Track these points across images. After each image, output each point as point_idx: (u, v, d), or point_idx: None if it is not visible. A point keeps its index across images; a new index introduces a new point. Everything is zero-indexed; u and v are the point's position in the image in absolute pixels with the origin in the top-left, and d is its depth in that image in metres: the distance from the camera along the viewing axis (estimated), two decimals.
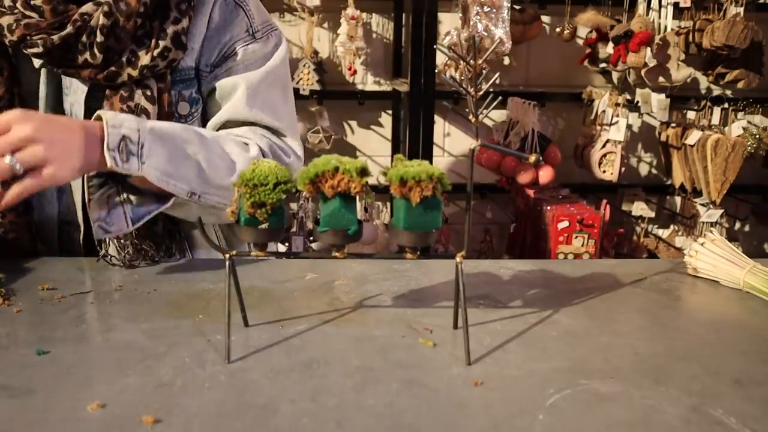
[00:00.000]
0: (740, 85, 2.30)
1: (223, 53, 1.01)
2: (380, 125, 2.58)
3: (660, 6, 2.24)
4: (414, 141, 2.19)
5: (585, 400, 0.59)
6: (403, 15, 2.44)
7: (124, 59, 0.91)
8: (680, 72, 2.31)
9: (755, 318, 0.80)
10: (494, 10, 2.11)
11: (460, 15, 2.20)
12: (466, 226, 0.68)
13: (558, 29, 2.39)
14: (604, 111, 2.30)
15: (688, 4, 2.21)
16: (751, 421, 0.56)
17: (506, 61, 2.34)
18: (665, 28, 2.25)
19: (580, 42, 2.45)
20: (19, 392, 0.59)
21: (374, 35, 2.49)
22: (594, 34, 2.37)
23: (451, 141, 2.62)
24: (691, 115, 2.41)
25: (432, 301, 0.81)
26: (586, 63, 2.45)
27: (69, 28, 0.88)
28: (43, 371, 0.62)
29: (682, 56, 2.30)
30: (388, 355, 0.67)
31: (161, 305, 0.78)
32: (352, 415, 0.56)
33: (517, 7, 2.26)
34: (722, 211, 2.41)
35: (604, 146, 2.31)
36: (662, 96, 2.33)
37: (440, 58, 2.26)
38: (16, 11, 0.89)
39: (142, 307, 0.78)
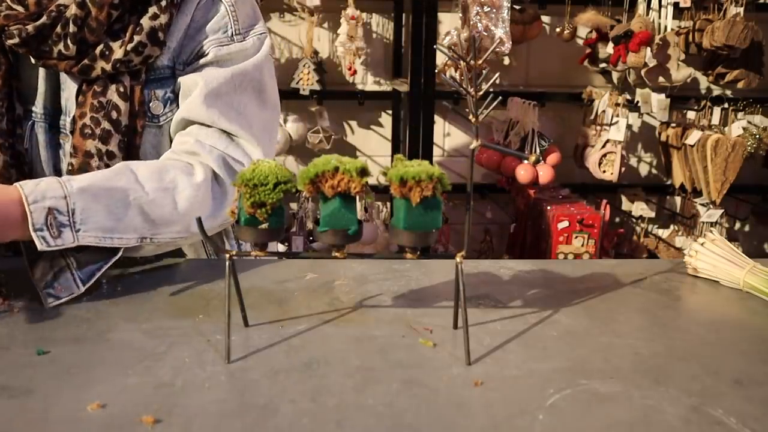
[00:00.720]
0: (740, 85, 2.30)
1: (196, 52, 0.98)
2: (380, 125, 2.58)
3: (660, 6, 2.25)
4: (414, 141, 2.19)
5: (585, 400, 0.59)
6: (403, 15, 2.44)
7: (97, 52, 0.91)
8: (680, 72, 2.32)
9: (755, 318, 0.80)
10: (494, 10, 2.11)
11: (460, 15, 2.20)
12: (466, 226, 0.68)
13: (558, 29, 2.39)
14: (604, 111, 2.30)
15: (688, 4, 2.21)
16: (751, 421, 0.56)
17: (506, 61, 2.35)
18: (665, 28, 2.26)
19: (580, 42, 2.45)
20: (19, 392, 0.58)
21: (374, 35, 2.49)
22: (594, 34, 2.37)
23: (451, 141, 2.63)
24: (691, 115, 2.41)
25: (432, 301, 0.81)
26: (586, 63, 2.45)
27: (44, 19, 0.89)
28: (43, 371, 0.62)
29: (682, 56, 2.31)
30: (388, 355, 0.67)
31: (161, 305, 0.78)
32: (352, 415, 0.56)
33: (517, 7, 2.26)
34: (722, 211, 2.41)
35: (604, 146, 2.31)
36: (662, 96, 2.33)
37: (440, 58, 2.26)
38: (3, 4, 0.90)
39: (142, 307, 0.78)
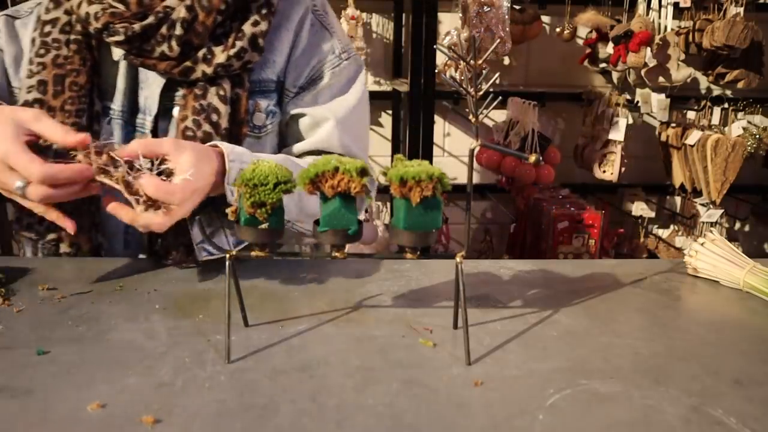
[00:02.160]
0: (740, 85, 2.30)
1: (311, 76, 1.03)
2: (380, 125, 2.58)
3: (660, 6, 2.25)
4: (414, 141, 2.19)
5: (585, 400, 0.59)
6: (403, 15, 2.44)
7: (200, 55, 0.93)
8: (680, 72, 2.32)
9: (755, 318, 0.80)
10: (494, 10, 2.11)
11: (460, 15, 2.20)
12: (466, 226, 0.68)
13: (558, 29, 2.39)
14: (604, 111, 2.30)
15: (688, 4, 2.21)
16: (751, 421, 0.56)
17: (506, 61, 2.34)
18: (665, 28, 2.26)
19: (580, 42, 2.45)
20: (19, 392, 0.59)
21: (374, 35, 2.49)
22: (594, 34, 2.37)
23: (451, 141, 2.62)
24: (691, 115, 2.41)
25: (432, 301, 0.81)
26: (586, 63, 2.45)
27: (150, 19, 0.90)
28: (43, 371, 0.62)
29: (682, 56, 2.31)
30: (388, 355, 0.67)
31: (161, 305, 0.78)
32: (352, 415, 0.56)
33: (517, 7, 2.26)
34: (722, 211, 2.42)
35: (604, 146, 2.31)
36: (662, 96, 2.33)
37: (440, 58, 2.26)
38: (104, 1, 0.91)
39: (142, 307, 0.78)
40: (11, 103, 0.97)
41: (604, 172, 2.32)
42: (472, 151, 0.65)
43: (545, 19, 2.47)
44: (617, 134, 2.27)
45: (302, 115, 1.03)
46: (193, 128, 0.92)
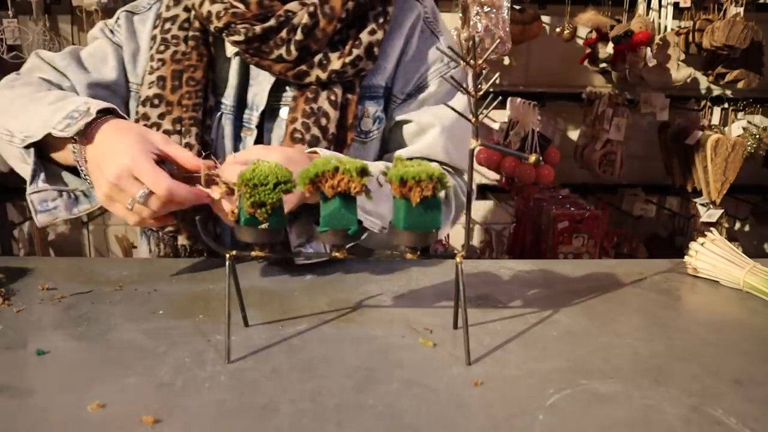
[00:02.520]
0: (740, 85, 2.30)
1: (419, 83, 1.03)
2: None
3: (660, 6, 2.25)
4: None
5: (585, 400, 0.59)
6: None
7: (315, 60, 0.93)
8: (680, 72, 2.32)
9: (755, 318, 0.80)
10: (494, 10, 2.11)
11: (460, 15, 2.20)
12: (466, 226, 0.68)
13: (558, 29, 2.39)
14: (604, 111, 2.30)
15: (688, 4, 2.21)
16: (751, 421, 0.56)
17: (506, 61, 2.35)
18: (665, 28, 2.26)
19: (580, 42, 2.45)
20: (19, 392, 0.58)
21: None
22: (594, 34, 2.37)
23: None
24: (691, 115, 2.41)
25: (432, 301, 0.81)
26: (586, 63, 2.45)
27: (272, 21, 0.91)
28: (43, 371, 0.62)
29: (682, 56, 2.31)
30: (388, 355, 0.67)
31: (161, 305, 0.78)
32: (352, 415, 0.56)
33: (517, 7, 2.27)
34: (722, 211, 2.42)
35: (604, 146, 2.31)
36: (662, 96, 2.33)
37: None
38: (225, 1, 0.92)
39: (142, 307, 0.78)
40: (127, 100, 1.01)
41: (604, 172, 2.32)
42: (472, 151, 0.65)
43: (545, 19, 2.47)
44: (617, 134, 2.27)
45: (408, 121, 1.03)
46: (302, 131, 0.93)
